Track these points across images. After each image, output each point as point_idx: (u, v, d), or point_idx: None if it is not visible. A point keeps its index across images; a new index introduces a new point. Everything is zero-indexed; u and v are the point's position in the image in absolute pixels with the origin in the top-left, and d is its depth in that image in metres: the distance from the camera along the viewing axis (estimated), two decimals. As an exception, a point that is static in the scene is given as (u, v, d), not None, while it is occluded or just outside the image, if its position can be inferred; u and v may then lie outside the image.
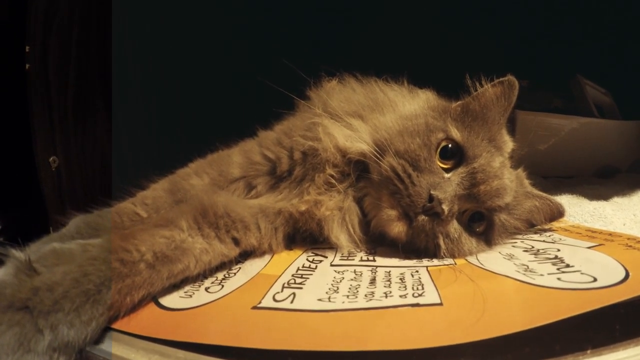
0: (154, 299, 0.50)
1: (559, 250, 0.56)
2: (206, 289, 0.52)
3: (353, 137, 0.64)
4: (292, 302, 0.46)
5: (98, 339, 0.43)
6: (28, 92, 0.78)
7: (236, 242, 0.58)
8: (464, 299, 0.43)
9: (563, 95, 1.31)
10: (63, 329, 0.38)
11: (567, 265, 0.50)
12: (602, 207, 0.82)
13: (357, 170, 0.64)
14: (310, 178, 0.63)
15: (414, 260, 0.57)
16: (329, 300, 0.45)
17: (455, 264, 0.56)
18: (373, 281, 0.50)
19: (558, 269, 0.49)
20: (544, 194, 0.68)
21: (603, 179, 1.20)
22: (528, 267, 0.50)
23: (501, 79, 0.66)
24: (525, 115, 1.03)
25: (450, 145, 0.61)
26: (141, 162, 0.69)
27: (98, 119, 0.94)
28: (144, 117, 1.15)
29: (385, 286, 0.48)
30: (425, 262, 0.57)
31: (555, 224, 0.70)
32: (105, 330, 0.44)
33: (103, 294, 0.42)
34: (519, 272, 0.49)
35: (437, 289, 0.45)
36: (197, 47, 1.27)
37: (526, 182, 0.71)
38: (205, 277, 0.56)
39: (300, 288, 0.50)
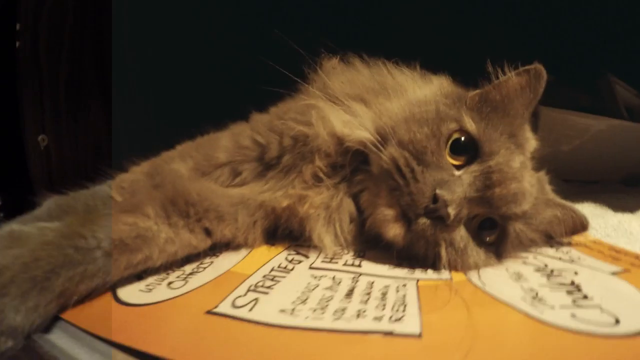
0: (113, 289, 0.44)
1: (576, 273, 0.45)
2: (169, 284, 0.45)
3: (352, 123, 0.53)
4: (250, 310, 0.38)
5: (48, 328, 0.39)
6: (17, 69, 0.71)
7: (208, 232, 0.50)
8: (449, 331, 0.33)
9: (591, 94, 1.16)
10: (9, 314, 0.35)
11: (585, 297, 0.39)
12: (627, 220, 0.69)
13: (355, 162, 0.54)
14: (299, 169, 0.53)
15: (406, 270, 0.47)
16: (292, 313, 0.37)
17: (452, 279, 0.45)
18: (350, 293, 0.41)
19: (573, 301, 0.38)
20: (567, 203, 0.56)
21: (630, 187, 1.06)
22: (537, 295, 0.39)
23: (527, 67, 0.53)
24: (549, 112, 0.89)
25: (463, 138, 0.50)
26: (142, 146, 0.62)
27: (92, 99, 0.87)
28: (143, 100, 1.07)
29: (361, 302, 0.39)
30: (417, 273, 0.47)
31: (574, 238, 0.58)
32: (57, 319, 0.40)
33: (52, 281, 0.38)
34: (525, 300, 0.38)
35: (420, 314, 0.36)
36: (200, 29, 1.17)
37: (548, 187, 0.58)
38: (172, 270, 0.49)
39: (266, 293, 0.41)
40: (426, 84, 0.60)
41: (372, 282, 0.43)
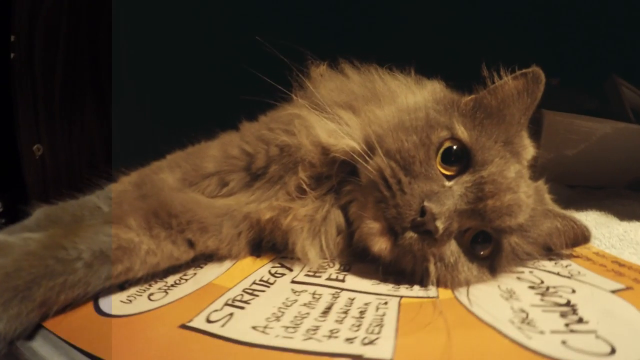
0: (95, 299, 0.43)
1: (573, 291, 0.41)
2: (149, 296, 0.44)
3: (338, 133, 0.49)
4: (223, 325, 0.36)
5: (31, 335, 0.38)
6: (12, 80, 0.70)
7: (191, 244, 0.48)
8: (422, 358, 0.29)
9: (597, 96, 1.09)
10: None
11: (580, 320, 0.35)
12: (634, 230, 0.64)
13: (342, 172, 0.50)
14: (284, 180, 0.50)
15: (390, 286, 0.44)
16: (264, 331, 0.34)
17: (439, 296, 0.41)
18: (327, 310, 0.38)
19: (566, 325, 0.34)
20: (568, 214, 0.51)
21: (636, 192, 0.99)
22: (527, 317, 0.35)
23: (524, 71, 0.49)
24: (553, 116, 0.84)
25: (455, 147, 0.46)
26: (139, 149, 0.60)
27: (87, 108, 0.85)
28: (141, 109, 1.05)
29: (337, 320, 0.36)
30: (402, 290, 0.43)
31: (576, 249, 0.54)
32: (40, 327, 0.39)
33: (33, 291, 0.37)
34: (513, 323, 0.34)
35: (395, 336, 0.32)
36: (199, 31, 1.14)
37: (547, 197, 0.53)
38: (155, 281, 0.47)
39: (243, 308, 0.39)
40: (420, 89, 0.56)
41: (353, 299, 0.40)
